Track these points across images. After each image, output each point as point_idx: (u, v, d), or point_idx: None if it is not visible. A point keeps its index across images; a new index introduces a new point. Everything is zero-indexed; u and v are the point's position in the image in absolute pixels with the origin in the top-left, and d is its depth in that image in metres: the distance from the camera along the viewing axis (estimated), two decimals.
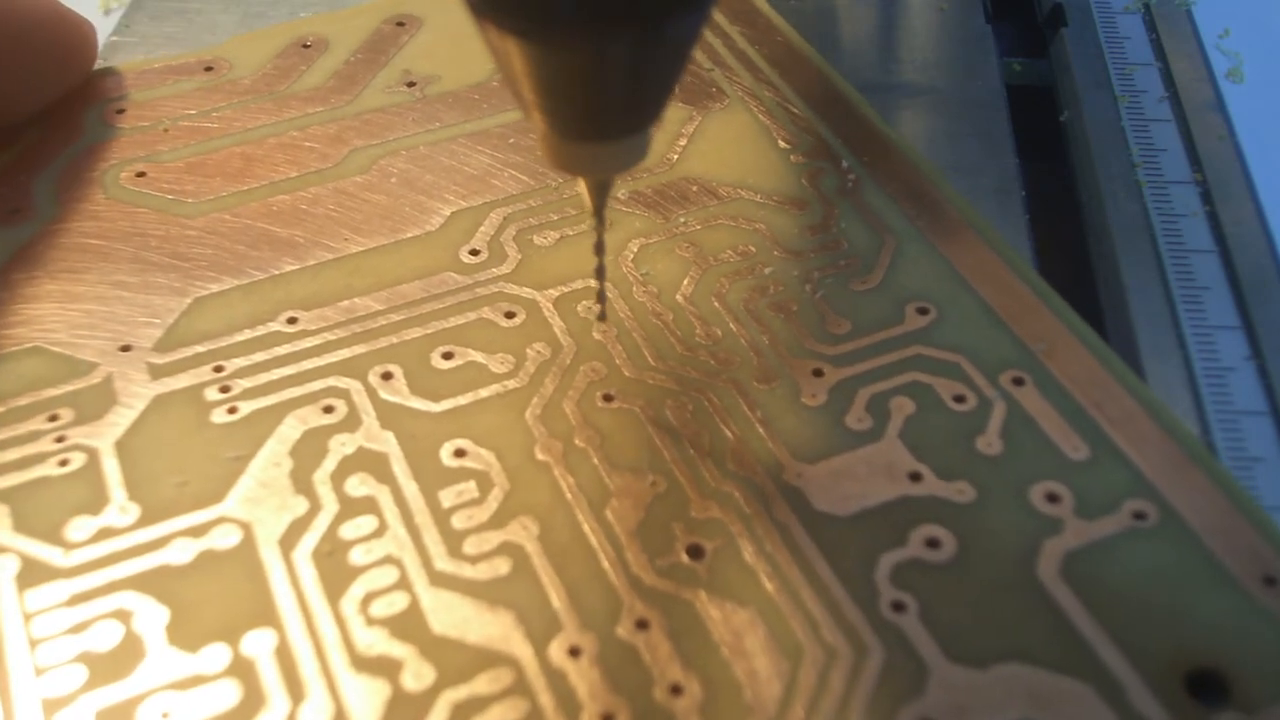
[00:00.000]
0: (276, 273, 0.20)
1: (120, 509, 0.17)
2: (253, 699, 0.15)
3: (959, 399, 0.18)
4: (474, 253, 0.20)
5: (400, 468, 0.17)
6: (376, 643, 0.15)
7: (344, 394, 0.18)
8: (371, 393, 0.18)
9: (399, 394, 0.18)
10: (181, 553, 0.16)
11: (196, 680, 0.15)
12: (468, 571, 0.16)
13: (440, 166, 0.22)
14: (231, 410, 0.18)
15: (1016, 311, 0.19)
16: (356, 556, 0.16)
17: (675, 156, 0.22)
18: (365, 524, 0.17)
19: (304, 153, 0.22)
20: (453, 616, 0.16)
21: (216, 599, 0.16)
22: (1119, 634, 0.15)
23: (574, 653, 0.15)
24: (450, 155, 0.22)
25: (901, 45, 0.32)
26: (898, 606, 0.16)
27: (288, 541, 0.16)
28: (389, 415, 0.18)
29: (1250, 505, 0.17)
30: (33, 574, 0.16)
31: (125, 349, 0.19)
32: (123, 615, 0.16)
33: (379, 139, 0.22)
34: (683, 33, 0.14)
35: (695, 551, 0.16)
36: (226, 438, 0.18)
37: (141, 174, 0.22)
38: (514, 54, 0.14)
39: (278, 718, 0.15)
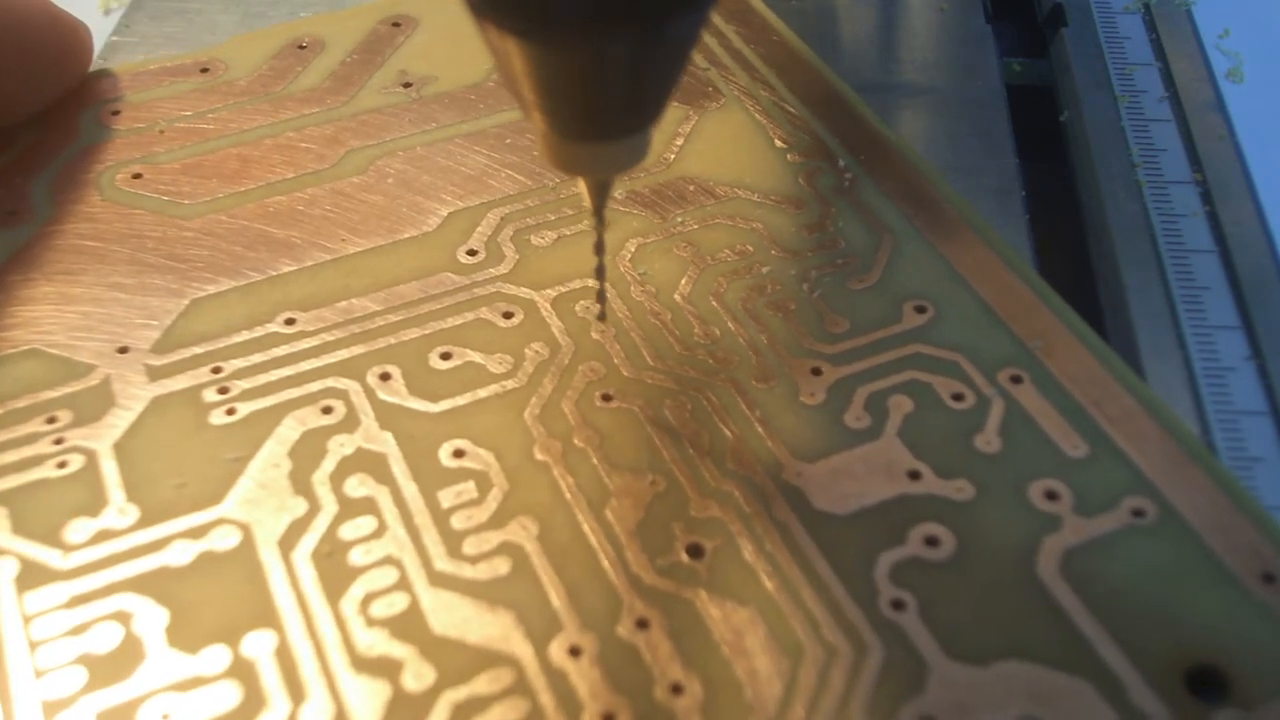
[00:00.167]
0: (274, 274, 0.20)
1: (119, 511, 0.17)
2: (253, 700, 0.15)
3: (957, 397, 0.18)
4: (471, 253, 0.20)
5: (399, 468, 0.17)
6: (377, 643, 0.15)
7: (342, 395, 0.18)
8: (370, 393, 0.18)
9: (397, 394, 0.18)
10: (181, 554, 0.16)
11: (197, 682, 0.15)
12: (467, 572, 0.16)
13: (437, 167, 0.22)
14: (230, 411, 0.18)
15: (1014, 309, 0.19)
16: (356, 557, 0.16)
17: (672, 156, 0.22)
18: (364, 525, 0.17)
19: (300, 154, 0.22)
20: (453, 617, 0.16)
21: (216, 600, 0.16)
22: (1118, 631, 0.15)
23: (574, 652, 0.15)
24: (447, 156, 0.22)
25: (901, 45, 0.32)
26: (897, 605, 0.16)
27: (287, 542, 0.16)
28: (387, 416, 0.18)
29: (1249, 502, 0.17)
30: (32, 576, 0.16)
31: (123, 351, 0.19)
32: (122, 617, 0.16)
33: (375, 140, 0.22)
34: (683, 33, 0.14)
35: (695, 551, 0.16)
36: (225, 439, 0.18)
37: (138, 176, 0.22)
38: (514, 54, 0.14)
39: (278, 719, 0.15)
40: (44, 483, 0.17)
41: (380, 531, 0.17)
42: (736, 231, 0.21)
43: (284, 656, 0.15)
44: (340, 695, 0.15)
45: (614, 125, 0.15)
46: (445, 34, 0.25)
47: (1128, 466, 0.17)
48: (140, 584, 0.16)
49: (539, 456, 0.17)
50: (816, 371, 0.18)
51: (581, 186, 0.17)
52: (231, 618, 0.16)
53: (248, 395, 0.18)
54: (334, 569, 0.16)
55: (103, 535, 0.16)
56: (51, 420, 0.18)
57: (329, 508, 0.17)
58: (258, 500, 0.17)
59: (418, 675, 0.15)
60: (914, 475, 0.17)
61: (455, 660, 0.15)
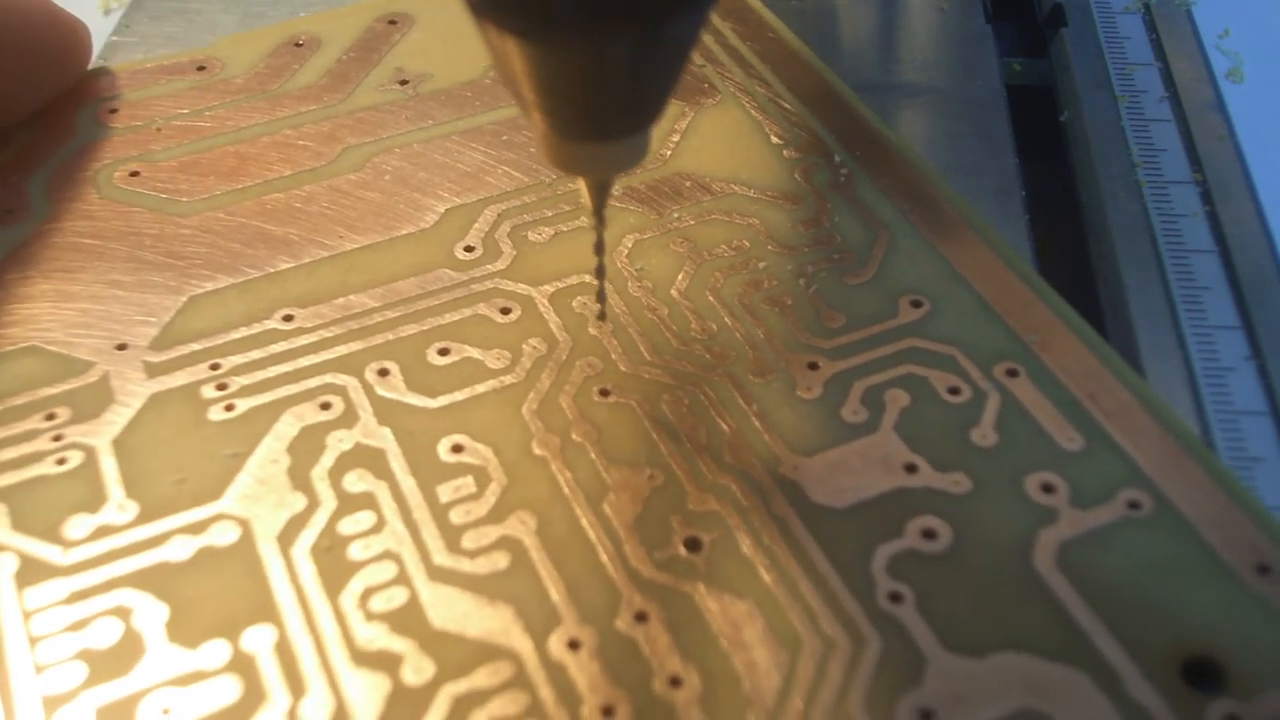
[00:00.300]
0: (272, 270, 0.20)
1: (118, 507, 0.17)
2: (253, 694, 0.15)
3: (953, 391, 0.18)
4: (469, 249, 0.20)
5: (398, 463, 0.17)
6: (376, 637, 0.15)
7: (341, 390, 0.18)
8: (368, 389, 0.18)
9: (396, 390, 0.18)
10: (180, 550, 0.16)
11: (197, 676, 0.15)
12: (466, 566, 0.16)
13: (434, 164, 0.22)
14: (228, 408, 0.18)
15: (1009, 303, 0.19)
16: (355, 552, 0.16)
17: (668, 152, 0.22)
18: (363, 519, 0.17)
19: (298, 151, 0.22)
20: (452, 611, 0.16)
21: (216, 595, 0.16)
22: (1115, 623, 0.15)
23: (573, 646, 0.15)
24: (444, 152, 0.22)
25: (901, 45, 0.32)
26: (895, 597, 0.16)
27: (286, 537, 0.16)
28: (386, 411, 0.18)
29: (1244, 494, 0.17)
30: (32, 572, 0.16)
31: (121, 347, 0.19)
32: (122, 612, 0.16)
33: (372, 137, 0.23)
34: (683, 33, 0.14)
35: (693, 544, 0.16)
36: (224, 435, 0.18)
37: (135, 173, 0.22)
38: (514, 54, 0.14)
39: (278, 713, 0.15)
40: (43, 479, 0.17)
41: (379, 526, 0.17)
42: (733, 227, 0.21)
43: (284, 651, 0.15)
44: (340, 689, 0.15)
45: (614, 125, 0.15)
46: (441, 31, 0.25)
47: (1123, 459, 0.17)
48: (140, 579, 0.16)
49: (537, 451, 0.17)
50: (813, 366, 0.19)
51: (581, 186, 0.17)
52: (231, 612, 0.16)
53: (246, 391, 0.18)
54: (333, 564, 0.16)
55: (102, 531, 0.16)
56: (50, 417, 0.18)
57: (328, 503, 0.17)
58: (257, 496, 0.17)
59: (417, 669, 0.15)
60: (911, 469, 0.17)
61: (455, 654, 0.15)
